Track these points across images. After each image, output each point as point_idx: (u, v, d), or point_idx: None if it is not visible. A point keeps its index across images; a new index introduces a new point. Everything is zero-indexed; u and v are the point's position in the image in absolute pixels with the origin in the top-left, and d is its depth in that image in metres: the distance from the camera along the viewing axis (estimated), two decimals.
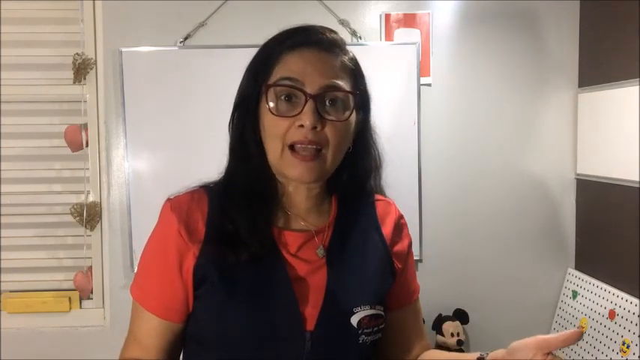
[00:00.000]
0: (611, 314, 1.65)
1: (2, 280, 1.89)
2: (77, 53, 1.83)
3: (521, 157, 1.93)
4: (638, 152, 1.58)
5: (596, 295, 1.75)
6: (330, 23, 1.85)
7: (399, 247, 0.98)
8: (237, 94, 0.92)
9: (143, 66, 1.81)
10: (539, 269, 1.96)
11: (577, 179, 1.93)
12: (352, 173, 0.94)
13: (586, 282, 1.82)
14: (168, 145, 1.82)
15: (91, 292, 1.91)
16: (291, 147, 0.84)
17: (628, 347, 1.56)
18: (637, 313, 1.55)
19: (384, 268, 0.94)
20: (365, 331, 0.88)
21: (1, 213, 1.88)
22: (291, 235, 0.90)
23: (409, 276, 1.00)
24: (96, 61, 1.86)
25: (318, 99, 0.83)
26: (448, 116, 1.91)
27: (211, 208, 0.89)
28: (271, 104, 0.84)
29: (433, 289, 1.76)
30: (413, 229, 1.87)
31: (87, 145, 1.85)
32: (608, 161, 1.74)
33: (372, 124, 0.96)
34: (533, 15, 1.89)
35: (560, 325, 1.89)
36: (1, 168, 1.87)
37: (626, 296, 1.62)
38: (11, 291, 1.90)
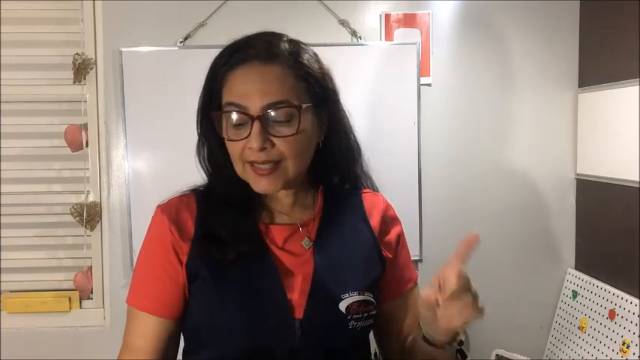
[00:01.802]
0: (611, 314, 1.65)
1: (2, 280, 1.88)
2: (77, 53, 1.82)
3: (521, 157, 1.93)
4: (638, 152, 1.58)
5: (596, 295, 1.75)
6: (330, 23, 1.85)
7: (388, 237, 0.99)
8: (198, 108, 0.93)
9: (143, 66, 1.81)
10: (539, 269, 1.96)
11: (577, 179, 1.93)
12: (329, 165, 0.96)
13: (586, 282, 1.82)
14: (168, 145, 1.82)
15: (91, 292, 1.90)
16: (251, 163, 0.86)
17: (628, 347, 1.56)
18: (637, 313, 1.55)
19: (372, 257, 0.96)
20: (354, 316, 0.89)
21: (1, 213, 1.88)
22: (276, 229, 0.92)
23: (401, 266, 1.00)
24: (96, 61, 1.85)
25: (262, 119, 0.83)
26: (448, 116, 1.91)
27: (200, 209, 0.93)
28: (223, 129, 0.86)
29: None
30: (413, 229, 1.89)
31: (87, 145, 1.85)
32: (608, 161, 1.74)
33: (344, 111, 0.96)
34: (533, 15, 1.89)
35: (560, 325, 1.89)
36: (1, 168, 1.87)
37: (626, 296, 1.62)
38: (11, 291, 1.90)
